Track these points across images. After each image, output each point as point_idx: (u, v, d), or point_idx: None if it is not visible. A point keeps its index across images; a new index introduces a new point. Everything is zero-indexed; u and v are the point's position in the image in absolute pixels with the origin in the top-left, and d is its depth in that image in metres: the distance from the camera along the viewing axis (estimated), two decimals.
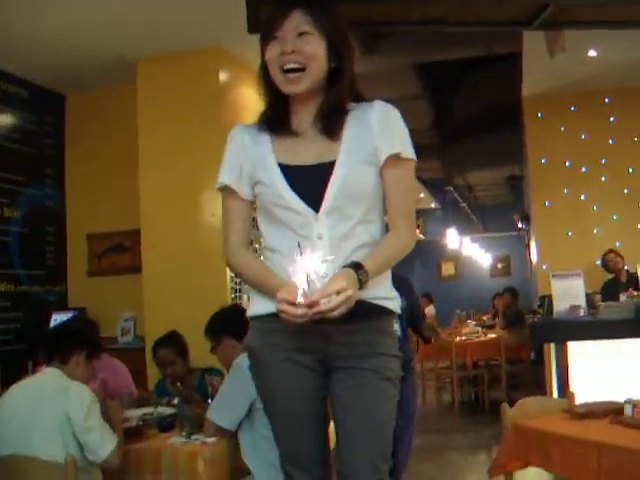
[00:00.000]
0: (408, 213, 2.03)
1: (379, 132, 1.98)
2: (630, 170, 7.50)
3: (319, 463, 2.06)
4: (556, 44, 4.79)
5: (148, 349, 5.62)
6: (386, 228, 2.06)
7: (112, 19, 5.11)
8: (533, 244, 8.87)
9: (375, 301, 1.97)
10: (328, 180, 1.94)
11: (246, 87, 6.36)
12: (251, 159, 2.04)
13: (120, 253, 6.45)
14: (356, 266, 1.85)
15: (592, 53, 6.34)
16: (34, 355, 4.38)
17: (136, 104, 5.93)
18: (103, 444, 2.86)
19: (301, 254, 1.80)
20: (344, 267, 1.86)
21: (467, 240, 14.45)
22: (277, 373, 2.00)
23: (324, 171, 1.94)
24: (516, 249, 14.77)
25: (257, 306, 2.05)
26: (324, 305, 1.77)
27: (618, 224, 7.49)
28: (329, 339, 1.96)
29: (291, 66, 1.93)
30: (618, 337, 4.91)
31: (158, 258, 5.77)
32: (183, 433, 3.19)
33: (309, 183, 1.95)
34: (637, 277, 6.22)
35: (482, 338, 8.78)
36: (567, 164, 7.69)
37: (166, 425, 3.40)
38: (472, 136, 9.94)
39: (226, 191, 2.09)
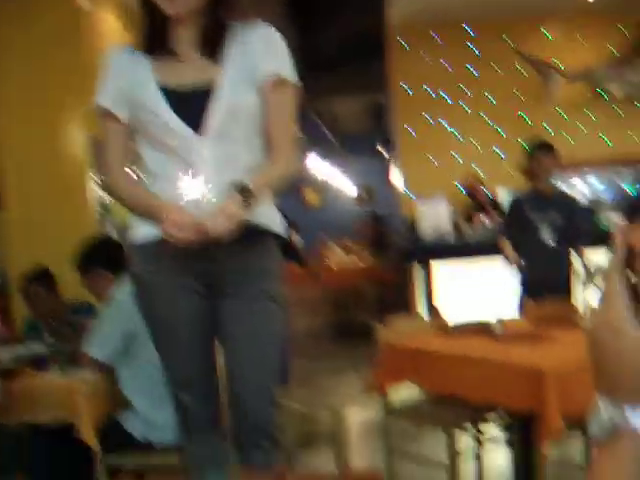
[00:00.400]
0: (290, 137, 2.02)
1: (260, 53, 1.96)
2: (489, 97, 7.73)
3: (209, 387, 2.08)
4: None
5: (13, 290, 5.45)
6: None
7: None
8: (396, 170, 9.06)
9: (260, 224, 1.97)
10: (210, 102, 1.90)
11: (107, 16, 6.09)
12: (130, 81, 1.97)
13: None
14: (242, 188, 1.83)
15: None
16: None
17: None
18: None
19: (186, 177, 1.79)
20: (230, 189, 1.83)
21: (328, 166, 14.52)
22: (163, 297, 1.98)
23: (206, 93, 1.91)
24: (378, 178, 15.02)
25: (141, 231, 1.99)
26: (212, 227, 1.75)
27: (477, 149, 7.74)
28: (215, 262, 1.95)
29: None
30: (480, 255, 5.14)
31: (21, 195, 5.51)
32: (59, 370, 3.11)
33: (191, 105, 1.90)
34: (494, 200, 6.50)
35: (349, 266, 9.00)
36: (429, 91, 7.82)
37: (40, 362, 3.29)
38: (336, 63, 9.95)
39: (104, 114, 2.01)
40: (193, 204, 1.82)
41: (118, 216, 5.96)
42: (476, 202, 7.04)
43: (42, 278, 4.01)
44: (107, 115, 2.01)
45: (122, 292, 3.13)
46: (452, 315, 3.66)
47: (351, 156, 14.92)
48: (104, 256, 3.41)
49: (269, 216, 2.02)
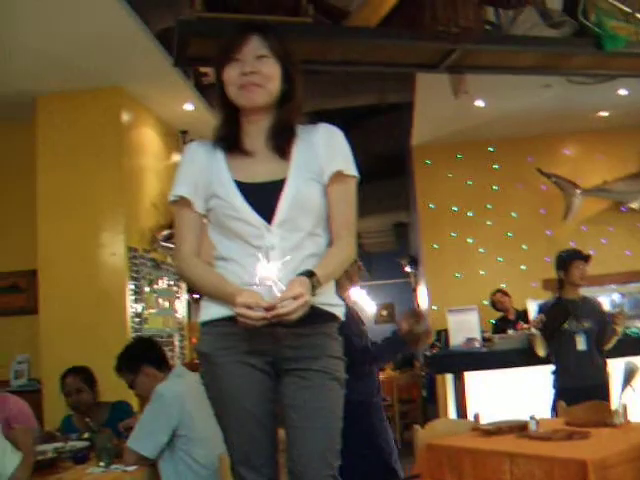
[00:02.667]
0: (350, 226, 2.18)
1: (324, 152, 2.15)
2: (513, 214, 7.94)
3: (269, 463, 2.13)
4: (460, 86, 5.15)
5: (46, 391, 5.52)
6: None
7: (12, 51, 5.02)
8: (422, 287, 9.17)
9: (324, 307, 2.10)
10: (280, 195, 2.07)
11: (146, 128, 6.41)
12: (206, 175, 2.14)
13: (14, 293, 6.27)
14: (309, 274, 1.99)
15: (479, 104, 6.75)
16: None
17: (34, 143, 5.84)
18: (3, 461, 2.78)
19: (259, 263, 1.97)
20: (299, 275, 1.98)
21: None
22: (229, 375, 2.08)
23: (276, 187, 2.08)
24: (400, 296, 15.13)
25: (209, 311, 2.12)
26: (282, 309, 1.90)
27: (503, 265, 7.89)
28: (280, 342, 2.06)
29: (250, 83, 2.08)
30: (511, 366, 5.20)
31: (56, 299, 5.66)
32: (101, 463, 3.15)
33: (262, 198, 2.08)
34: (525, 313, 6.56)
35: None
36: (454, 209, 8.05)
37: (81, 457, 3.34)
38: (360, 183, 10.24)
39: (181, 203, 2.17)
40: (264, 288, 1.97)
41: (153, 325, 6.09)
42: (505, 318, 7.12)
43: (81, 371, 4.14)
44: (183, 204, 2.17)
45: (167, 388, 3.23)
46: (487, 419, 3.68)
47: (374, 276, 15.07)
48: (151, 354, 3.54)
49: (331, 300, 2.15)
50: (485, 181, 8.02)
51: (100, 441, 3.27)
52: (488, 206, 7.99)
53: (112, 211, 5.78)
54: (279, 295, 1.93)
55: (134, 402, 4.31)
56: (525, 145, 7.92)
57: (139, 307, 5.87)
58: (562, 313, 4.65)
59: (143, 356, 3.55)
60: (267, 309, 1.91)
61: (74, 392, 4.09)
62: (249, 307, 1.91)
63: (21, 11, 4.48)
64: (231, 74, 2.10)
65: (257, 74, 2.08)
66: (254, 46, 2.10)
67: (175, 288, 6.75)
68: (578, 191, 7.69)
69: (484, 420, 3.59)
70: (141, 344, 3.78)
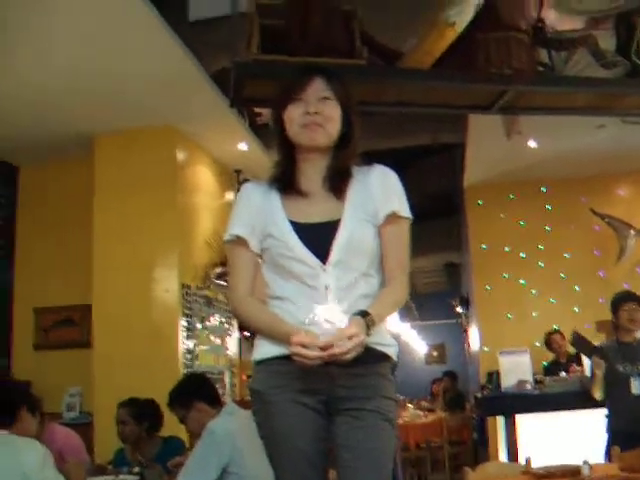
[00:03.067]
0: (404, 267, 2.19)
1: (379, 194, 2.17)
2: (566, 255, 7.84)
3: None
4: (512, 127, 5.16)
5: (97, 424, 5.59)
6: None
7: (69, 91, 5.17)
8: (474, 328, 9.09)
9: (377, 347, 2.10)
10: (334, 236, 2.10)
11: (200, 166, 6.54)
12: (262, 215, 2.18)
13: (68, 327, 6.39)
14: (364, 314, 2.00)
15: (532, 144, 6.72)
16: None
17: (90, 179, 6.00)
18: None
19: (312, 303, 2.00)
20: (353, 315, 2.00)
21: (406, 327, 14.61)
22: (282, 413, 2.08)
23: (331, 228, 2.11)
24: (450, 337, 15.01)
25: (263, 349, 2.14)
26: (338, 349, 1.91)
27: (555, 307, 7.77)
28: (334, 381, 2.06)
29: (313, 122, 2.12)
30: (564, 409, 5.11)
31: (109, 333, 5.75)
32: None
33: (317, 238, 2.10)
34: (577, 356, 6.45)
35: (424, 420, 8.87)
36: (506, 249, 7.98)
37: None
38: (412, 223, 10.23)
39: (236, 242, 2.20)
40: (319, 328, 1.98)
41: (204, 362, 6.14)
42: (557, 360, 7.00)
43: (132, 404, 4.22)
44: (239, 243, 2.20)
45: (218, 425, 3.26)
46: (538, 463, 3.62)
47: (424, 317, 14.97)
48: (203, 390, 3.58)
49: (385, 340, 2.16)
50: (537, 222, 7.93)
51: (150, 476, 3.31)
52: (540, 247, 7.89)
53: (166, 248, 5.88)
54: (335, 334, 1.94)
55: (185, 437, 4.33)
56: (578, 186, 7.82)
57: (191, 343, 5.93)
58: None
59: (195, 392, 3.59)
60: (323, 348, 1.92)
61: (120, 423, 4.17)
62: (304, 346, 1.93)
63: (78, 51, 4.63)
64: (294, 113, 2.14)
65: (320, 115, 2.12)
66: (318, 88, 2.15)
67: (227, 325, 6.81)
68: (632, 232, 7.57)
69: (535, 464, 3.53)
70: (194, 380, 3.83)
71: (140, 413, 4.19)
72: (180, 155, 6.08)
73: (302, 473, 2.09)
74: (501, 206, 8.07)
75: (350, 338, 1.92)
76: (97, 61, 4.77)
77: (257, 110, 6.35)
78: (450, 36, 3.90)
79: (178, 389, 3.67)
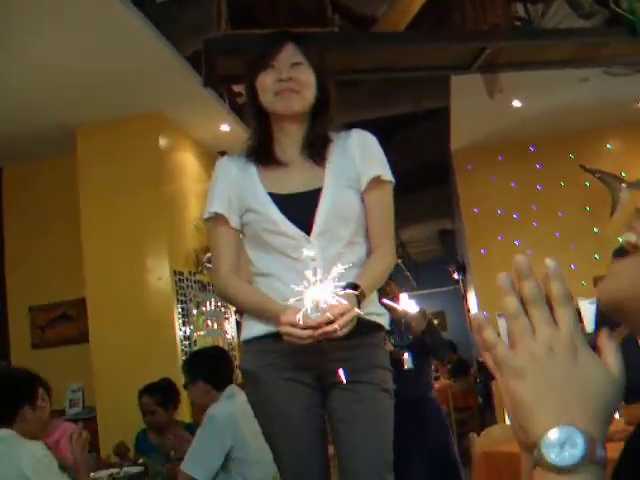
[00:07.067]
0: (389, 233, 2.14)
1: (359, 158, 2.11)
2: (559, 214, 7.79)
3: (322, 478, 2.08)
4: (494, 86, 5.09)
5: (100, 419, 5.56)
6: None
7: (48, 85, 5.08)
8: (472, 293, 9.06)
9: (368, 317, 2.04)
10: (317, 205, 2.04)
11: (184, 152, 6.46)
12: (239, 190, 2.11)
13: (65, 323, 6.34)
14: (354, 286, 1.94)
15: (516, 104, 6.65)
16: None
17: (75, 173, 5.92)
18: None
19: (297, 277, 1.90)
20: (344, 287, 1.92)
21: (404, 297, 14.59)
22: (276, 392, 2.04)
23: (312, 197, 2.05)
24: (450, 304, 14.99)
25: (251, 329, 2.09)
26: (330, 327, 1.84)
27: None
28: (326, 356, 2.01)
29: (287, 89, 2.06)
30: None
31: (105, 326, 5.70)
32: None
33: (299, 209, 2.05)
34: (577, 312, 6.41)
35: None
36: (499, 212, 7.93)
37: None
38: (402, 193, 10.18)
39: (216, 220, 2.14)
40: (307, 303, 1.90)
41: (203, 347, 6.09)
42: None
43: (157, 391, 4.12)
44: (219, 221, 2.14)
45: (218, 410, 3.20)
46: None
47: (422, 286, 14.96)
48: (210, 370, 3.46)
49: (376, 309, 2.12)
50: (528, 182, 7.87)
51: (155, 465, 3.28)
52: (533, 207, 7.85)
53: (155, 236, 5.82)
54: (323, 310, 1.87)
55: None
56: (567, 142, 7.75)
57: (188, 330, 5.89)
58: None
59: (203, 369, 3.46)
60: (314, 327, 1.85)
61: (147, 413, 4.09)
62: (294, 325, 1.87)
63: (55, 43, 4.53)
64: (266, 81, 2.08)
65: (293, 81, 2.06)
66: (289, 53, 2.09)
67: (223, 309, 6.76)
68: (624, 185, 7.51)
69: None
70: (205, 355, 3.73)
71: (165, 400, 4.10)
72: (163, 141, 6.01)
73: (300, 451, 2.05)
74: (491, 169, 8.01)
75: (342, 315, 1.85)
76: (74, 54, 4.67)
77: (236, 90, 6.26)
78: None
79: (190, 359, 3.64)
